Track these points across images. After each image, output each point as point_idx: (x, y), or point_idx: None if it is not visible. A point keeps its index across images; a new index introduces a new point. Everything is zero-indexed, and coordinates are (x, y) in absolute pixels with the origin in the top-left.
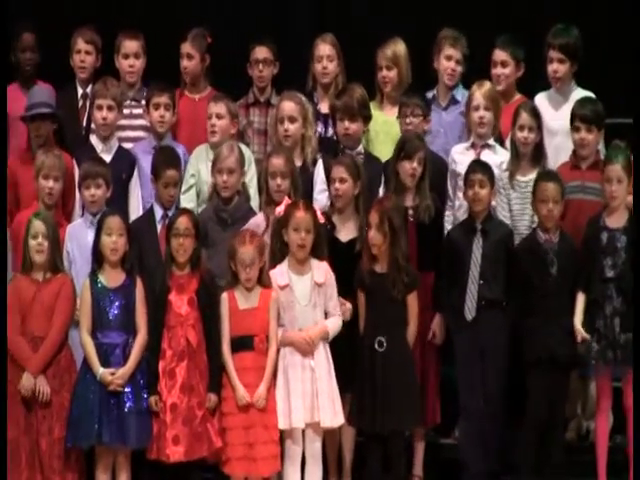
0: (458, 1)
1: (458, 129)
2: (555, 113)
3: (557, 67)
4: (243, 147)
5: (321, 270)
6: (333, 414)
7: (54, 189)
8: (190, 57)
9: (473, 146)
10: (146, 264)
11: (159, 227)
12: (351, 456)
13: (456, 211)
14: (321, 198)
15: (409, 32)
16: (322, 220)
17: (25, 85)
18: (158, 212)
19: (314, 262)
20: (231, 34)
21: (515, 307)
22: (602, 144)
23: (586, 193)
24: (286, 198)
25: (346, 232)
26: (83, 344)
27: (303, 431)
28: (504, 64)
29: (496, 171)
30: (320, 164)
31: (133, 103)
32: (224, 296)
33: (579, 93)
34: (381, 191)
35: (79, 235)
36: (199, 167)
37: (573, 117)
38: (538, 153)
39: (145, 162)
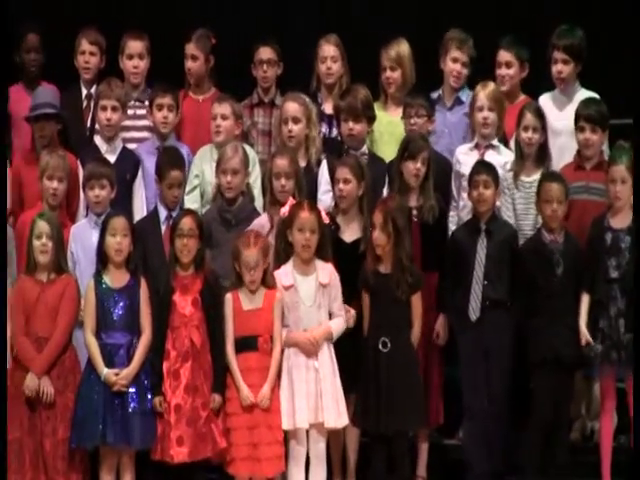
0: (459, 1)
1: (462, 130)
2: (559, 114)
3: (561, 68)
4: (247, 148)
5: (326, 271)
6: (337, 415)
7: (58, 190)
8: (194, 58)
9: (477, 147)
10: (150, 265)
11: (163, 228)
12: (355, 457)
13: (460, 211)
14: (325, 199)
15: (410, 32)
16: (326, 221)
17: (30, 86)
18: (162, 213)
19: (319, 263)
20: (235, 35)
21: (520, 307)
22: (606, 145)
23: (590, 193)
24: (290, 199)
25: (350, 233)
26: (87, 345)
27: (307, 432)
28: (508, 65)
29: (500, 171)
30: (324, 165)
31: (137, 104)
32: (228, 297)
33: (583, 94)
34: (385, 191)
35: (83, 236)
36: (203, 168)
37: (577, 117)
38: (542, 154)
39: (149, 163)
